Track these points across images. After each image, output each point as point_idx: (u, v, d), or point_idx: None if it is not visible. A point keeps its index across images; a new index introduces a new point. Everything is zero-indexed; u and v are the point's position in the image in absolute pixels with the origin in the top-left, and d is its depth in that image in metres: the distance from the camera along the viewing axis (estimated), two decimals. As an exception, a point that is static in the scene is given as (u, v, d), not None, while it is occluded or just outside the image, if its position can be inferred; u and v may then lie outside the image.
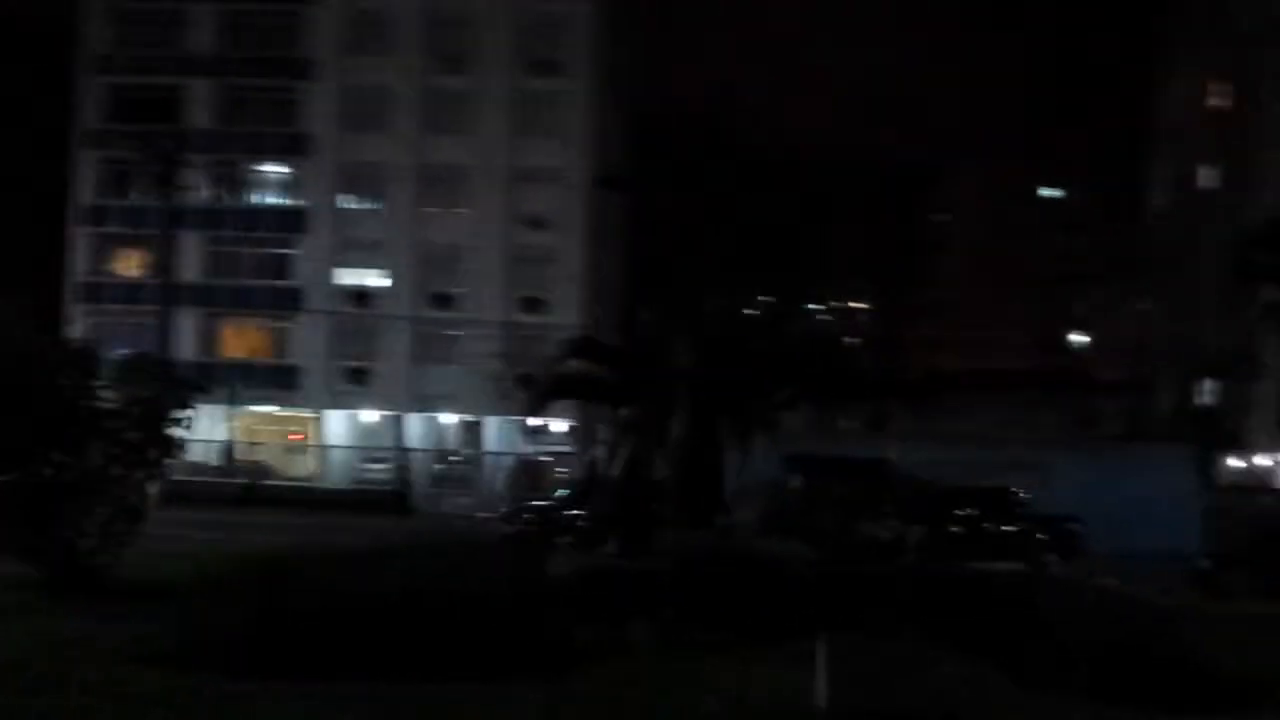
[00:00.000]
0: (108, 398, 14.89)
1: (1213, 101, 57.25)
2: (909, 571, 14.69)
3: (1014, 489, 29.68)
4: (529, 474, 52.18)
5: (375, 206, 55.51)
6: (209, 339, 54.75)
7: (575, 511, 30.23)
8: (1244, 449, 49.26)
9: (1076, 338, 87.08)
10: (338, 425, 54.97)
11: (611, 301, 58.18)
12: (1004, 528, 27.96)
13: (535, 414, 36.78)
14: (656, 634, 11.89)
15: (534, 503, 35.99)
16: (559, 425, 55.41)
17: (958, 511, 27.81)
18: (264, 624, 10.30)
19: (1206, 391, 54.65)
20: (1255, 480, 48.08)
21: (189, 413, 15.60)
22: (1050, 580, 15.26)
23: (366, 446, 54.68)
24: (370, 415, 55.14)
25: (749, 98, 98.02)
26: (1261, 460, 49.43)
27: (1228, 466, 49.11)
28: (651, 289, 46.62)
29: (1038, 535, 28.46)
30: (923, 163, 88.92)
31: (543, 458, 54.93)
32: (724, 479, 14.44)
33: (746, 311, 21.42)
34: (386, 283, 55.04)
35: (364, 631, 10.56)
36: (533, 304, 54.09)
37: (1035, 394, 75.35)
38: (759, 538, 17.79)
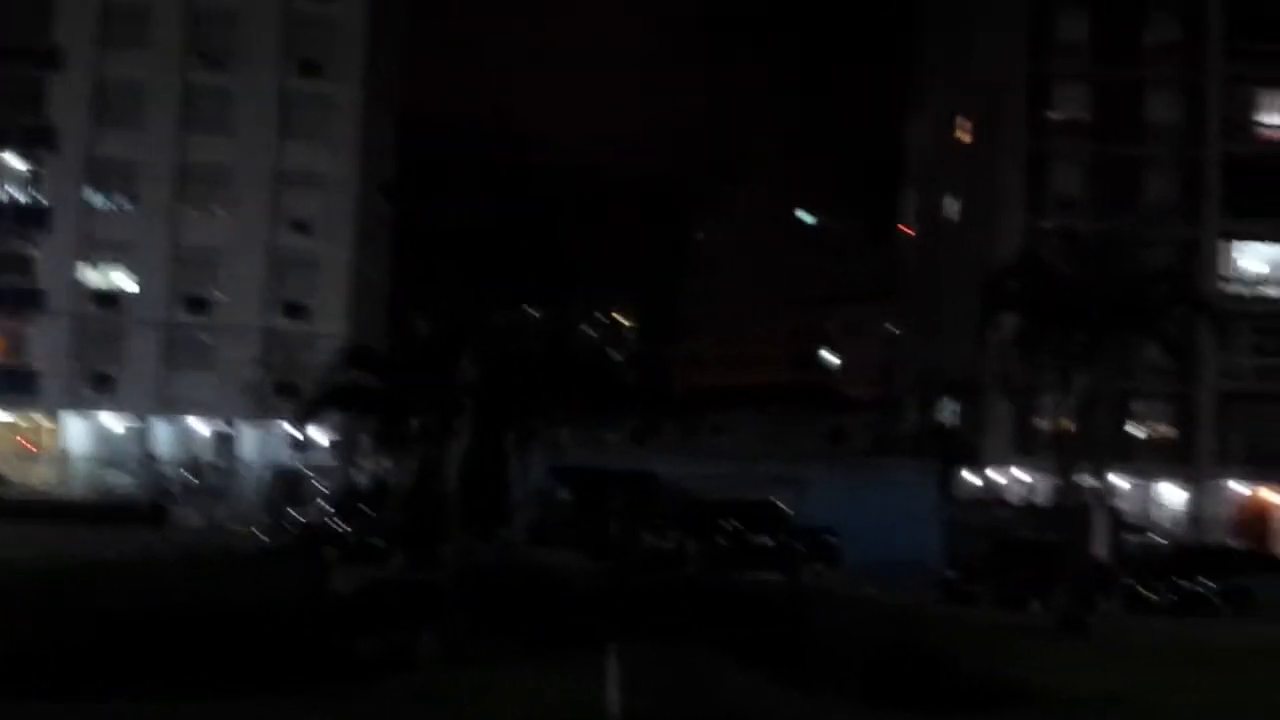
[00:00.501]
0: None
1: (958, 136, 60.73)
2: (688, 583, 15.07)
3: (776, 503, 30.80)
4: (288, 485, 50.70)
5: (126, 205, 52.91)
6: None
7: (339, 524, 29.74)
8: (981, 465, 52.34)
9: (829, 356, 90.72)
10: (79, 432, 52.09)
11: (377, 308, 57.20)
12: (767, 540, 28.95)
13: (303, 423, 35.86)
14: (441, 646, 11.84)
15: (295, 515, 35.19)
16: (320, 436, 54.18)
17: (724, 524, 28.65)
18: (37, 644, 9.76)
19: (947, 410, 57.79)
20: (991, 495, 51.21)
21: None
22: (819, 591, 15.92)
23: (110, 455, 52.06)
24: (115, 422, 52.50)
25: (522, 111, 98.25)
26: (996, 475, 52.67)
27: (966, 482, 52.10)
28: (426, 298, 46.07)
29: (797, 547, 29.61)
30: (688, 182, 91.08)
31: (302, 468, 53.51)
32: (508, 491, 14.48)
33: (522, 324, 21.44)
34: (135, 285, 52.53)
35: (144, 649, 10.15)
36: (295, 310, 52.67)
37: (789, 410, 78.28)
38: (531, 547, 17.95)
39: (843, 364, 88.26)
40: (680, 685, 9.57)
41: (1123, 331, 20.97)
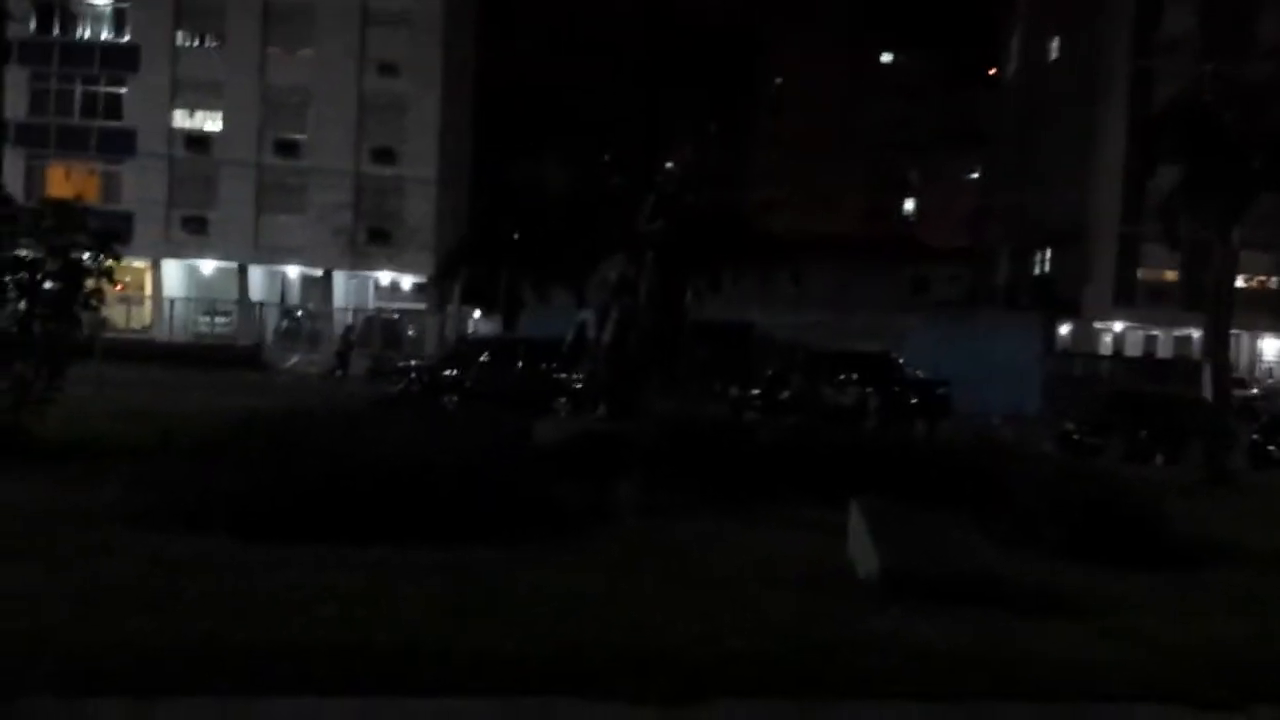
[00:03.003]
0: (27, 246, 13.74)
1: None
2: (874, 438, 14.87)
3: (891, 355, 30.42)
4: (383, 331, 51.16)
5: (214, 45, 52.35)
6: (34, 182, 51.27)
7: (453, 372, 29.87)
8: (1081, 316, 51.60)
9: (910, 205, 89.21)
10: (174, 276, 52.60)
11: (465, 152, 56.72)
12: (886, 393, 28.63)
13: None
14: (647, 499, 11.77)
15: (412, 362, 35.38)
16: (406, 282, 54.40)
17: (843, 377, 28.35)
18: (276, 488, 9.79)
19: (1044, 260, 56.82)
20: (1090, 347, 50.61)
21: (111, 264, 14.55)
22: (998, 445, 15.67)
23: (205, 300, 52.64)
24: (208, 266, 52.94)
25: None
26: (1098, 327, 51.98)
27: (1065, 333, 51.47)
28: (514, 146, 45.27)
29: (913, 400, 29.32)
30: (758, 26, 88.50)
31: (393, 315, 53.92)
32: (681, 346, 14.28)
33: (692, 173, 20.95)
34: (224, 127, 52.30)
35: (369, 497, 10.15)
36: (384, 154, 52.28)
37: (868, 259, 77.30)
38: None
39: (926, 213, 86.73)
40: (921, 540, 9.37)
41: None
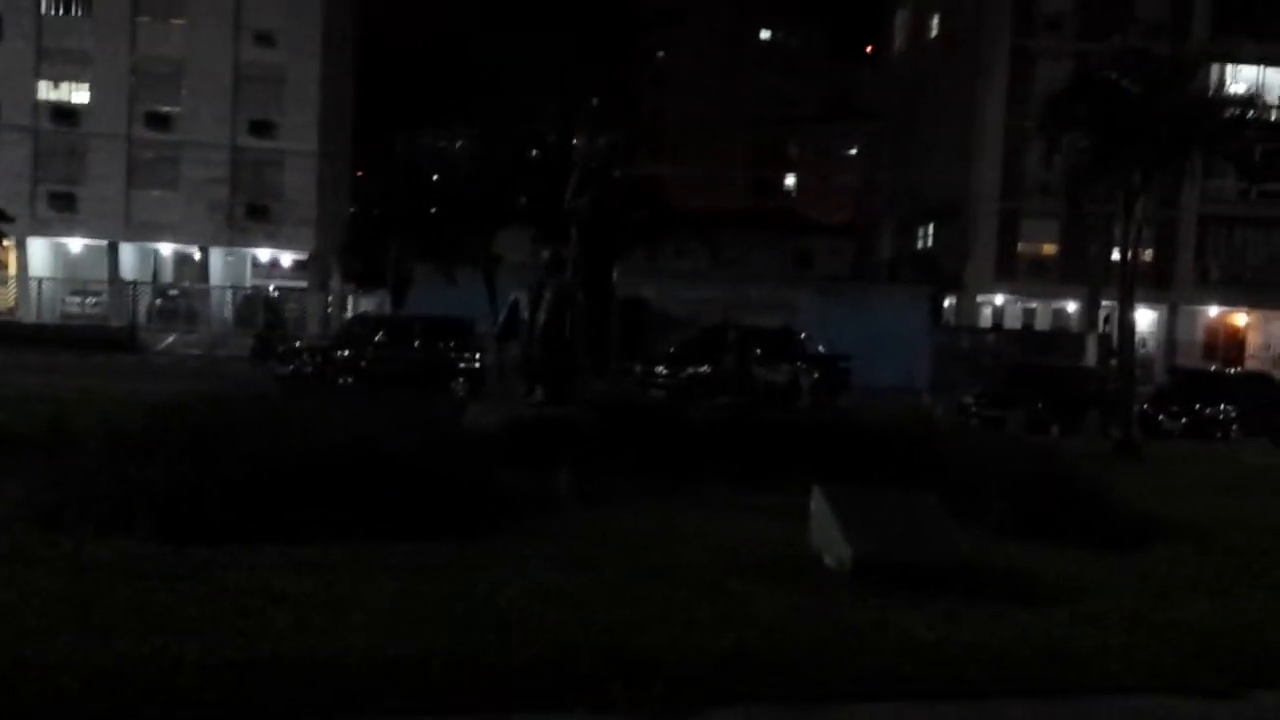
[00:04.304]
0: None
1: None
2: (811, 418, 14.61)
3: (792, 330, 30.35)
4: (261, 309, 49.64)
5: (81, 13, 50.00)
6: (-115, 156, 48.61)
7: (347, 353, 28.98)
8: (963, 290, 52.37)
9: (792, 179, 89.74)
10: (42, 255, 50.29)
11: (346, 124, 55.21)
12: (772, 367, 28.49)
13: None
14: (587, 485, 11.34)
15: (298, 343, 34.30)
16: (286, 259, 52.90)
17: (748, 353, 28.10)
18: (203, 484, 9.08)
19: (927, 235, 57.54)
20: (972, 320, 51.43)
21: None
22: (932, 421, 15.56)
23: (76, 279, 50.47)
24: (77, 244, 50.74)
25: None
26: (979, 300, 52.83)
27: (951, 307, 52.21)
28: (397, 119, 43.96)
29: (815, 375, 29.29)
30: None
31: (273, 291, 52.37)
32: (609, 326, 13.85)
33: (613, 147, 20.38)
34: (92, 99, 50.05)
35: (305, 492, 9.52)
36: (262, 127, 50.59)
37: (752, 233, 77.51)
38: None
39: (809, 187, 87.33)
40: (895, 528, 9.11)
41: (1195, 153, 20.50)
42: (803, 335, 29.44)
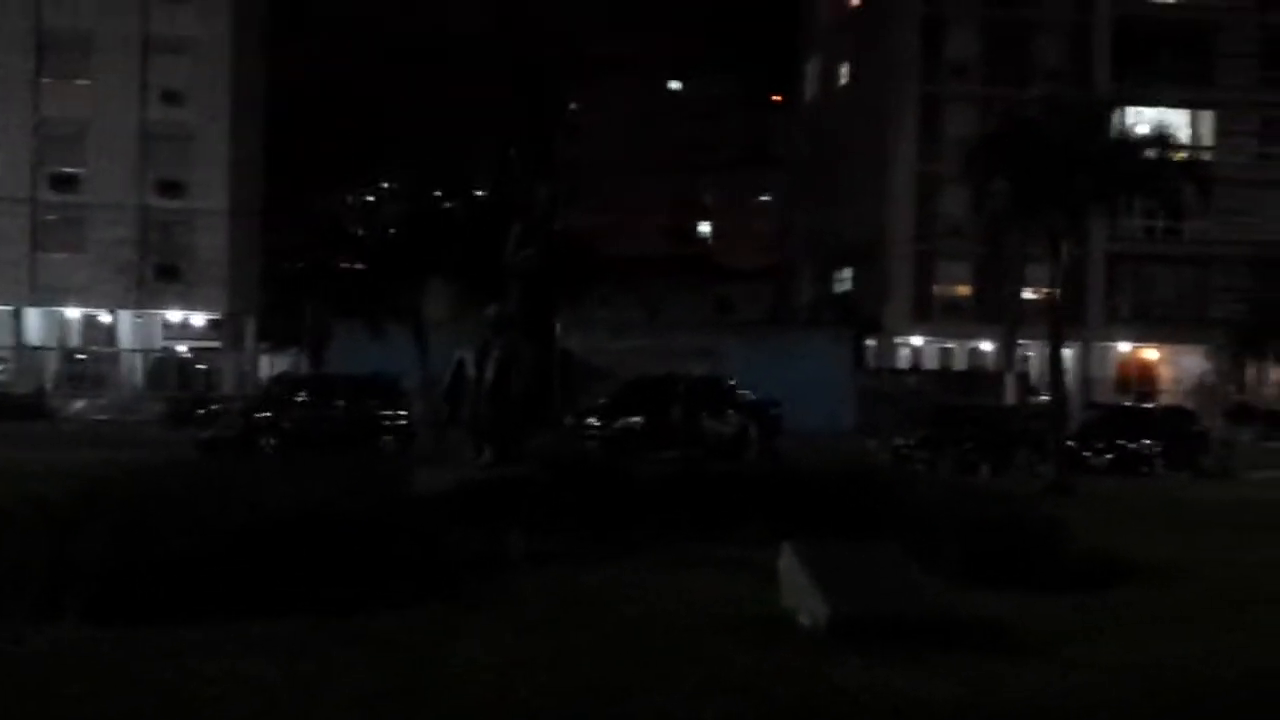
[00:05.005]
0: None
1: (854, 2, 60.01)
2: (760, 469, 14.40)
3: (723, 378, 30.22)
4: (174, 372, 48.57)
5: (-20, 73, 48.84)
6: None
7: (267, 414, 28.25)
8: (882, 332, 52.85)
9: (708, 227, 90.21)
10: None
11: (258, 183, 54.37)
12: (721, 418, 28.36)
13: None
14: (546, 548, 11.00)
15: (214, 406, 33.47)
16: (199, 319, 51.84)
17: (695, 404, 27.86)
18: (139, 562, 8.56)
19: (845, 279, 58.06)
20: (891, 362, 51.88)
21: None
22: (872, 469, 15.43)
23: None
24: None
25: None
26: (897, 342, 53.34)
27: (870, 349, 52.61)
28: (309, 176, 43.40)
29: (749, 423, 29.13)
30: (558, 48, 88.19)
31: (184, 354, 51.29)
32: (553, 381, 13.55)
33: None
34: (-6, 161, 48.79)
35: (249, 565, 9.05)
36: (170, 187, 49.65)
37: (670, 281, 77.70)
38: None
39: (726, 234, 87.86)
40: (869, 583, 8.89)
41: (1120, 194, 20.87)
42: (733, 382, 29.31)
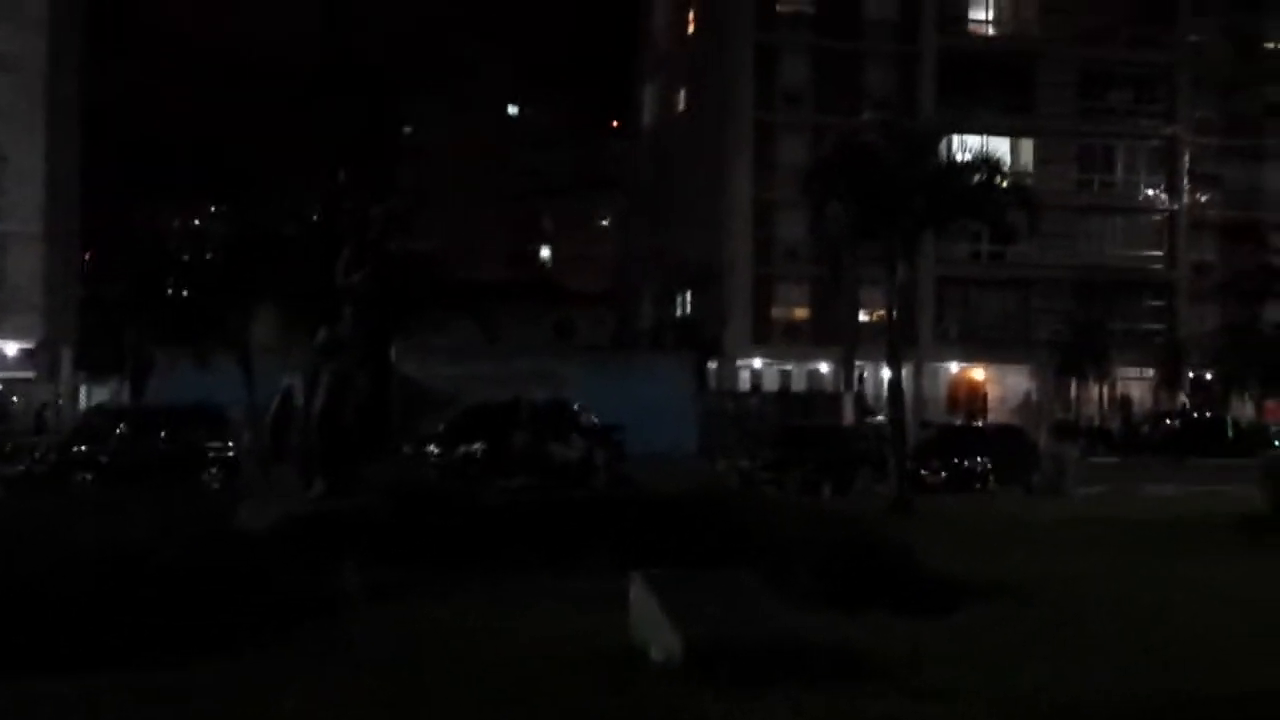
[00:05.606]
0: None
1: (687, 27, 60.55)
2: (609, 495, 14.01)
3: (567, 402, 29.82)
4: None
5: None
6: None
7: (84, 447, 26.74)
8: (723, 355, 53.15)
9: (547, 250, 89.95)
10: None
11: (73, 204, 51.81)
12: (566, 443, 27.90)
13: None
14: (383, 583, 10.41)
15: (30, 440, 31.58)
16: (11, 348, 49.14)
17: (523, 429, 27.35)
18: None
19: (685, 302, 58.29)
20: (732, 384, 52.20)
21: None
22: (729, 493, 15.21)
23: None
24: None
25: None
26: (740, 364, 53.72)
27: (711, 371, 52.83)
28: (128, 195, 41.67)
29: (594, 448, 28.75)
30: (394, 71, 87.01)
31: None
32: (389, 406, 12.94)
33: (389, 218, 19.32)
34: None
35: (52, 612, 8.27)
36: (-22, 209, 47.02)
37: (509, 305, 76.98)
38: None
39: (565, 258, 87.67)
40: (723, 613, 8.57)
41: (952, 217, 21.24)
42: (577, 407, 28.91)
